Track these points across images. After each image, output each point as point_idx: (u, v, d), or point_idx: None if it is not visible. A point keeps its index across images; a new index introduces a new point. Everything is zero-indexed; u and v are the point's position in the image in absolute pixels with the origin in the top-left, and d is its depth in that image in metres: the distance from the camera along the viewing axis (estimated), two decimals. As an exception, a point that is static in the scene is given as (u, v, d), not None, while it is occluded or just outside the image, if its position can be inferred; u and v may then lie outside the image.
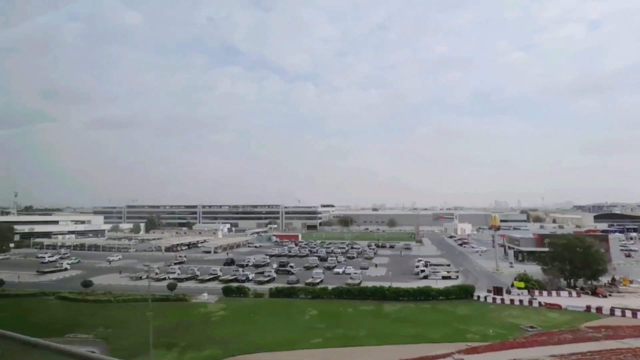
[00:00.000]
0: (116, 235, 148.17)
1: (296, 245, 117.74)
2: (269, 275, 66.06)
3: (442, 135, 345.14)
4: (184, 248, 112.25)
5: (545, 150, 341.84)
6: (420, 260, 78.68)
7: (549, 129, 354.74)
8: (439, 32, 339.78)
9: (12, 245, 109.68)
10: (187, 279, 66.61)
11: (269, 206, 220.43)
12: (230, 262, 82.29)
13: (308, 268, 76.41)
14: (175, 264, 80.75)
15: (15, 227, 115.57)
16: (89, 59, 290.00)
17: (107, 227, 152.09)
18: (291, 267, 74.55)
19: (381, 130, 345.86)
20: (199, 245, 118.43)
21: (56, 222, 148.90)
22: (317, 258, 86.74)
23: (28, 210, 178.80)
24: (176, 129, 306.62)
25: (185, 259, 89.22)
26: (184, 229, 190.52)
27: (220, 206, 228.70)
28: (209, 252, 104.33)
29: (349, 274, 68.12)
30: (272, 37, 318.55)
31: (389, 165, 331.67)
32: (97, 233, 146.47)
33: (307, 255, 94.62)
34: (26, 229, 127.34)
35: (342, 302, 51.77)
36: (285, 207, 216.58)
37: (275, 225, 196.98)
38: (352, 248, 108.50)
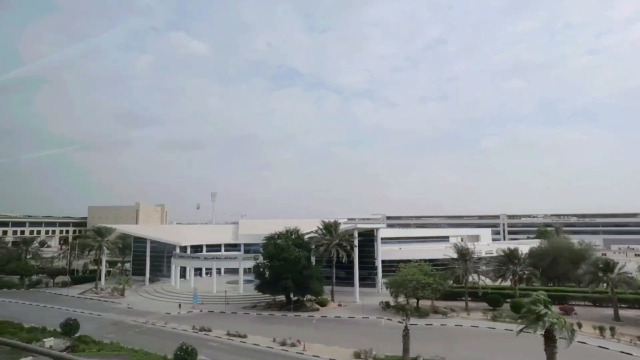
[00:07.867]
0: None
1: None
2: None
3: (510, 147, 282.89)
4: None
5: (634, 160, 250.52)
6: None
7: (635, 137, 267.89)
8: (500, 41, 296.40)
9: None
10: None
11: (626, 215, 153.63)
12: None
13: None
14: None
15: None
16: (158, 87, 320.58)
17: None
18: None
19: (442, 144, 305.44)
20: None
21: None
22: None
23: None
24: (240, 149, 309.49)
25: None
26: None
27: (532, 216, 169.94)
28: None
29: None
30: (329, 57, 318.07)
31: (454, 180, 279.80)
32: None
33: None
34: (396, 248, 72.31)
35: None
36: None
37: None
38: None
